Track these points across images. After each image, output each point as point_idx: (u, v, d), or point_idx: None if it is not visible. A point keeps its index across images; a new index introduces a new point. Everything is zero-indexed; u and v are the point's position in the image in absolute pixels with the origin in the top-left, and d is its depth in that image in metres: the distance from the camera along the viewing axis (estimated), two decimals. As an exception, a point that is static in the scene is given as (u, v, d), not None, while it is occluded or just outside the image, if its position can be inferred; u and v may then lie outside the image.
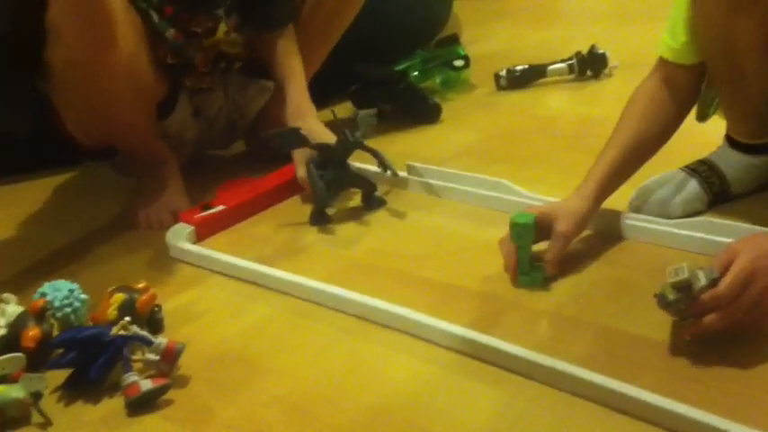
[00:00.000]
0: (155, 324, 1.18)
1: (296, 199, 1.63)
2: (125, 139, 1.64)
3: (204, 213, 1.53)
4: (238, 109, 1.81)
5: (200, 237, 1.49)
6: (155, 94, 1.61)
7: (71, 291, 1.20)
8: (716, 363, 0.99)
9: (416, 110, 2.00)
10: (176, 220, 1.52)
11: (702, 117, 1.40)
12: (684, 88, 1.32)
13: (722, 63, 1.26)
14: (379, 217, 1.53)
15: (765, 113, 1.25)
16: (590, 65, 2.14)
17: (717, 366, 0.99)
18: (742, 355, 1.00)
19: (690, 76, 1.31)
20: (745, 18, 1.17)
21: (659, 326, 1.05)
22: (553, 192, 1.42)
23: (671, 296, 1.00)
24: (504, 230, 1.23)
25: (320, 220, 1.52)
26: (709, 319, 0.99)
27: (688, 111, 1.34)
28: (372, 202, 1.57)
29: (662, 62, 1.33)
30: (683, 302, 1.00)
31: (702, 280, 0.98)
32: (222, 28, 1.64)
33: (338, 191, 1.56)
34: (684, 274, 0.99)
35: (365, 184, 1.57)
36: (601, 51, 2.13)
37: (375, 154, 1.56)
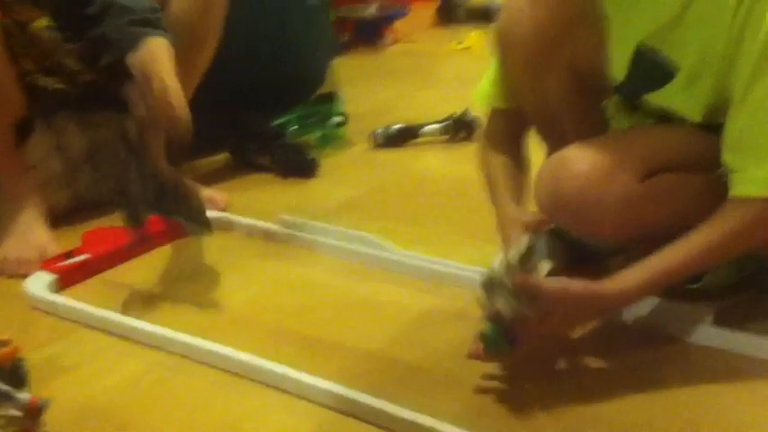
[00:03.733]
0: (17, 378, 1.12)
1: (166, 247, 1.60)
2: None
3: (67, 262, 1.47)
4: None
5: (64, 285, 1.44)
6: (12, 102, 1.58)
7: (-76, 343, 1.13)
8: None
9: (293, 165, 2.01)
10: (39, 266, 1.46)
11: None
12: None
13: (541, 121, 1.28)
14: (253, 269, 1.52)
15: None
16: (463, 127, 2.20)
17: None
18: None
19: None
20: (549, 72, 1.20)
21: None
22: (428, 250, 1.45)
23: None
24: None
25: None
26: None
27: None
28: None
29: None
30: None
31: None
32: (43, 22, 1.61)
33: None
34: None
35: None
36: (474, 115, 2.20)
37: None
